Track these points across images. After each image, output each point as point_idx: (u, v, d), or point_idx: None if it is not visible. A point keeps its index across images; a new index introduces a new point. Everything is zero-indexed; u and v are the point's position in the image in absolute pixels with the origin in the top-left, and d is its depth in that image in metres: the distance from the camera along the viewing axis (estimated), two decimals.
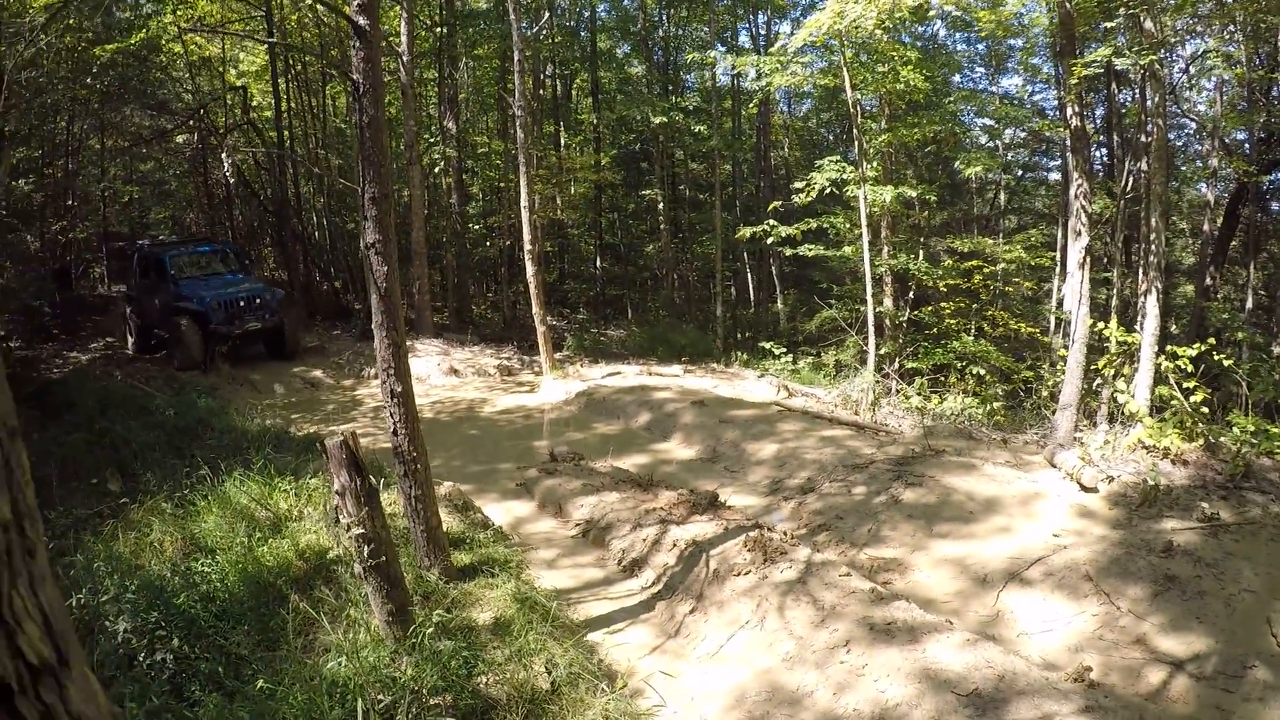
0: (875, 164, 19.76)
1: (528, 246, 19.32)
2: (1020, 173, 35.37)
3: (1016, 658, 5.69)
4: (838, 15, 16.14)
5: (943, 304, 20.95)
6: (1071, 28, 16.34)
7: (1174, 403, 10.22)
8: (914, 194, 19.82)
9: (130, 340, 22.02)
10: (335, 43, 27.70)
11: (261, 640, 5.86)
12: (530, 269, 19.43)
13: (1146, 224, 16.88)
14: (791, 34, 20.81)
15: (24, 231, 24.01)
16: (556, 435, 14.70)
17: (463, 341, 22.61)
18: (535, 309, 19.38)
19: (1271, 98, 22.96)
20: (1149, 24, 15.25)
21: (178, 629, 5.71)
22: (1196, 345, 10.56)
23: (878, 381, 16.41)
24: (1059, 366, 16.51)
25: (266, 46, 27.04)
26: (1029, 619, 6.77)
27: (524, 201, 19.14)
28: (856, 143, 18.58)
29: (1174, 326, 25.40)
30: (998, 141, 31.15)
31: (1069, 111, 16.33)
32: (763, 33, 35.35)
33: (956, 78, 32.10)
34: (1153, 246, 15.85)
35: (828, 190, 18.91)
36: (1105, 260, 25.18)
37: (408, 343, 7.26)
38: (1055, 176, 32.63)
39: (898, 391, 16.68)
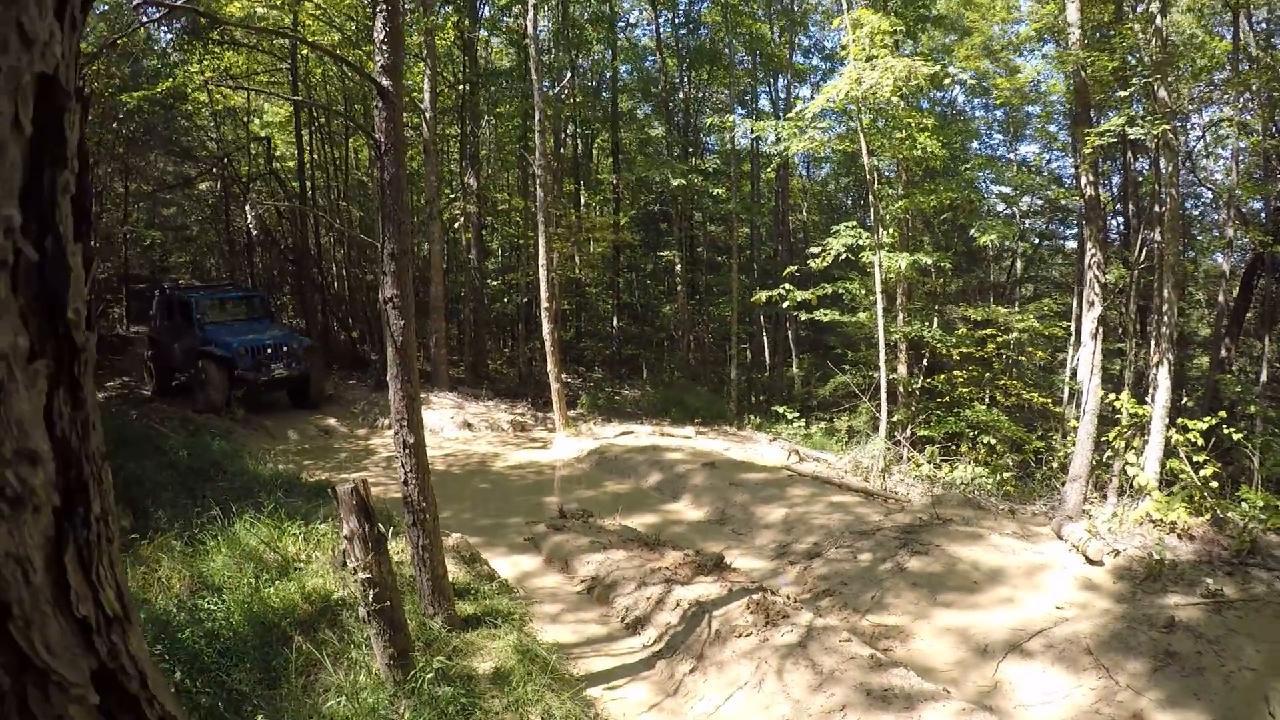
0: (891, 230, 19.87)
1: (545, 303, 19.49)
2: (1037, 240, 35.49)
3: None
4: (855, 82, 16.36)
5: (956, 372, 20.95)
6: (1086, 96, 16.50)
7: (1183, 476, 10.21)
8: (930, 261, 19.90)
9: (149, 381, 22.20)
10: (359, 98, 28.17)
11: (263, 679, 5.89)
12: (546, 326, 19.58)
13: (1159, 294, 16.90)
14: (811, 98, 21.07)
15: None
16: (567, 492, 14.73)
17: (477, 396, 22.73)
18: (550, 366, 19.50)
19: None
20: (1162, 93, 15.40)
21: (180, 663, 5.76)
22: (1208, 418, 10.56)
23: (889, 448, 16.38)
24: (1070, 437, 16.50)
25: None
26: (1028, 691, 6.75)
27: (542, 259, 19.34)
28: (872, 209, 18.70)
29: (1189, 399, 25.30)
30: (1015, 209, 31.33)
31: (1083, 180, 16.44)
32: (782, 96, 35.79)
33: (974, 144, 32.44)
34: (1165, 317, 15.84)
35: (844, 256, 19.01)
36: (1120, 330, 25.17)
37: (422, 395, 7.36)
38: (1072, 245, 32.74)
39: (908, 459, 16.65)
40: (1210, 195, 27.92)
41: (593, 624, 8.54)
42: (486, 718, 5.62)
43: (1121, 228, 29.18)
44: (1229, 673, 6.41)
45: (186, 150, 29.96)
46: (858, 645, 6.92)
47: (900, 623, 8.12)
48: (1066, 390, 24.27)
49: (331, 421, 20.15)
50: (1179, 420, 11.02)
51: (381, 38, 6.81)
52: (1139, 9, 16.60)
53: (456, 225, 29.51)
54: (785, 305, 21.06)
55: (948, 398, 20.68)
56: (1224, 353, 22.98)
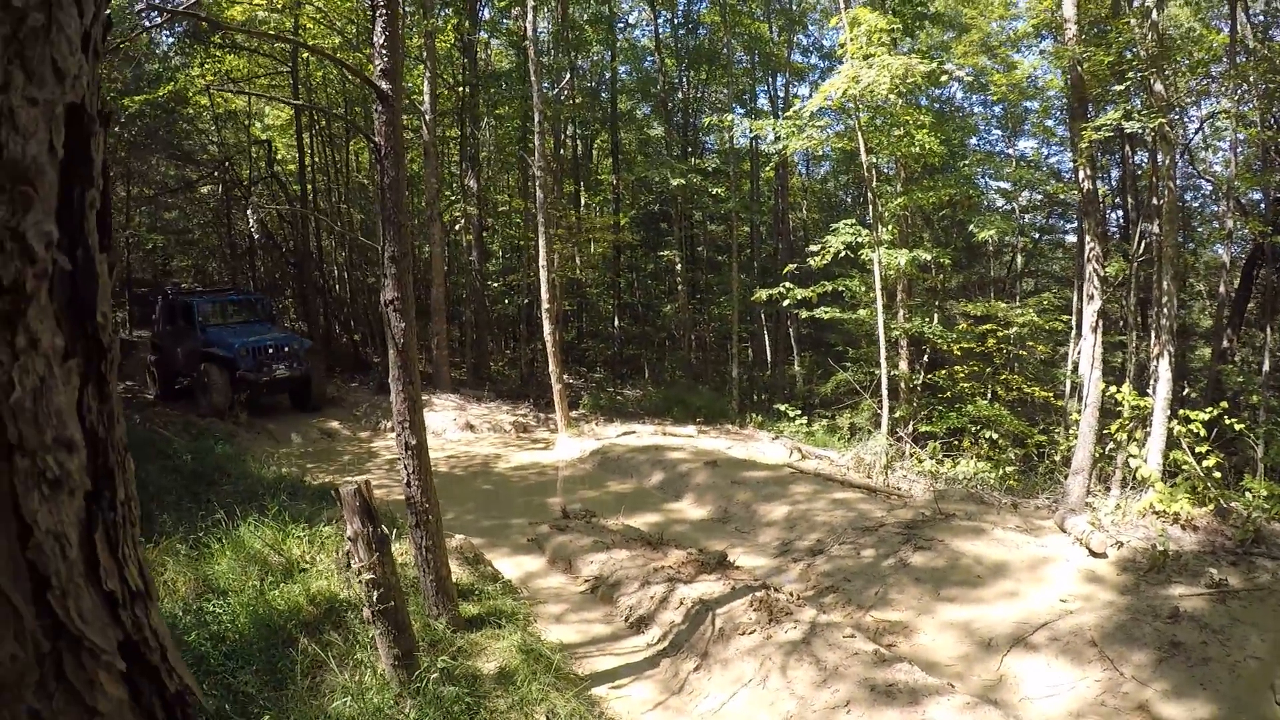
0: (891, 227, 19.91)
1: (546, 305, 19.54)
2: (1037, 235, 35.52)
3: None
4: (852, 80, 16.39)
5: (957, 367, 20.98)
6: (1083, 91, 16.55)
7: (1186, 467, 10.24)
8: (929, 257, 19.94)
9: (152, 385, 22.25)
10: (359, 100, 28.22)
11: (269, 680, 5.93)
12: (548, 327, 19.62)
13: (1159, 287, 16.94)
14: (809, 97, 21.11)
15: None
16: (569, 492, 14.78)
17: (479, 397, 22.77)
18: (552, 367, 19.54)
19: None
20: (1159, 86, 15.43)
21: (187, 666, 5.78)
22: (1210, 409, 10.59)
23: (891, 445, 16.41)
24: (1072, 431, 16.52)
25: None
26: (1032, 684, 6.78)
27: (543, 260, 19.38)
28: (871, 206, 18.74)
29: (1191, 391, 25.31)
30: (1014, 204, 31.35)
31: (1081, 175, 16.49)
32: (781, 95, 35.84)
33: (973, 140, 32.45)
34: (1165, 310, 15.89)
35: (843, 253, 19.05)
36: (1121, 323, 25.20)
37: (424, 397, 7.41)
38: (1072, 239, 32.75)
39: (911, 455, 16.68)
40: (1209, 187, 27.96)
41: (597, 623, 8.58)
42: (491, 717, 5.66)
43: (1121, 221, 29.23)
44: (1234, 662, 6.44)
45: (188, 154, 30.04)
46: (861, 641, 6.95)
47: (904, 618, 8.16)
48: (1068, 384, 24.29)
49: (334, 424, 20.20)
50: (1181, 412, 11.07)
51: (381, 42, 6.85)
52: (1135, 3, 16.63)
53: (457, 227, 29.56)
54: (786, 303, 21.11)
55: (949, 393, 20.73)
56: (1225, 344, 22.99)
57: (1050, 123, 31.29)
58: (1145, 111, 15.27)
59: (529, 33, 20.40)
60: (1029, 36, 27.66)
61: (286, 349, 20.27)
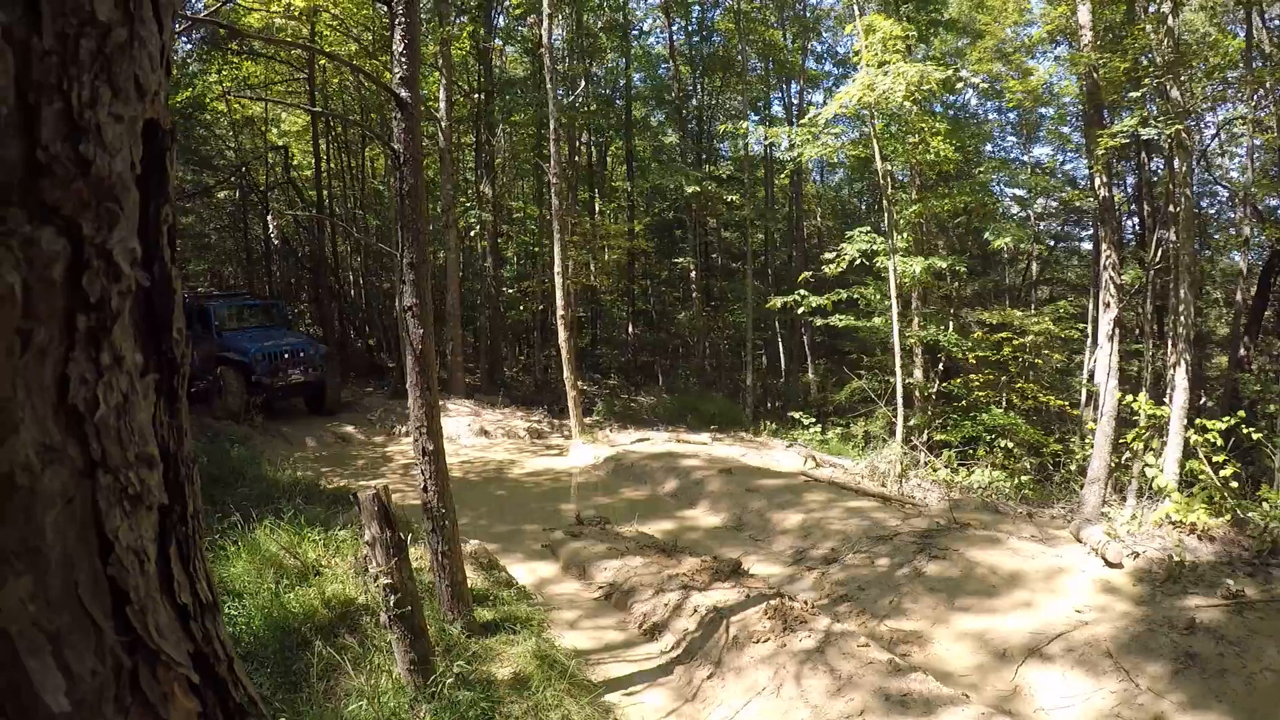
0: (906, 235, 19.87)
1: (560, 311, 19.56)
2: (1052, 243, 35.41)
3: None
4: (867, 87, 16.40)
5: (972, 376, 20.93)
6: (1099, 98, 16.51)
7: (1203, 477, 10.21)
8: (944, 265, 19.88)
9: None
10: (375, 107, 28.33)
11: (284, 683, 5.96)
12: (562, 333, 19.65)
13: (1175, 295, 16.87)
14: (824, 104, 21.10)
15: None
16: (584, 499, 14.78)
17: (494, 403, 22.80)
18: (566, 373, 19.56)
19: None
20: (1175, 92, 15.39)
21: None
22: (1227, 418, 10.55)
23: (905, 453, 16.38)
24: (1088, 440, 16.46)
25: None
26: (1047, 695, 6.77)
27: (558, 267, 19.42)
28: (886, 214, 18.71)
29: (1208, 399, 25.18)
30: (1029, 211, 31.25)
31: (1097, 182, 16.46)
32: (795, 102, 35.86)
33: (988, 147, 32.36)
34: (1182, 317, 15.83)
35: (858, 261, 19.03)
36: (1137, 331, 25.09)
37: (439, 402, 7.43)
38: (1087, 247, 32.62)
39: (925, 463, 16.64)
40: (1226, 193, 27.82)
41: (611, 630, 8.59)
42: None
43: (1137, 228, 29.09)
44: (1251, 674, 6.42)
45: (205, 159, 30.15)
46: (876, 650, 6.95)
47: (918, 627, 8.15)
48: (1084, 392, 24.22)
49: (349, 429, 20.25)
50: (1198, 421, 11.01)
51: (400, 50, 6.89)
52: (1151, 9, 16.60)
53: (472, 234, 29.61)
54: (800, 311, 21.08)
55: (964, 402, 20.67)
56: (1242, 352, 22.88)
57: (1066, 129, 31.21)
58: (1161, 118, 15.23)
59: (544, 40, 20.44)
60: (1044, 43, 27.61)
61: (302, 354, 20.34)
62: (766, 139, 26.09)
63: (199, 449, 14.33)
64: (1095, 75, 16.25)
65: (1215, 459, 10.02)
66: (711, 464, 15.59)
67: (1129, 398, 13.55)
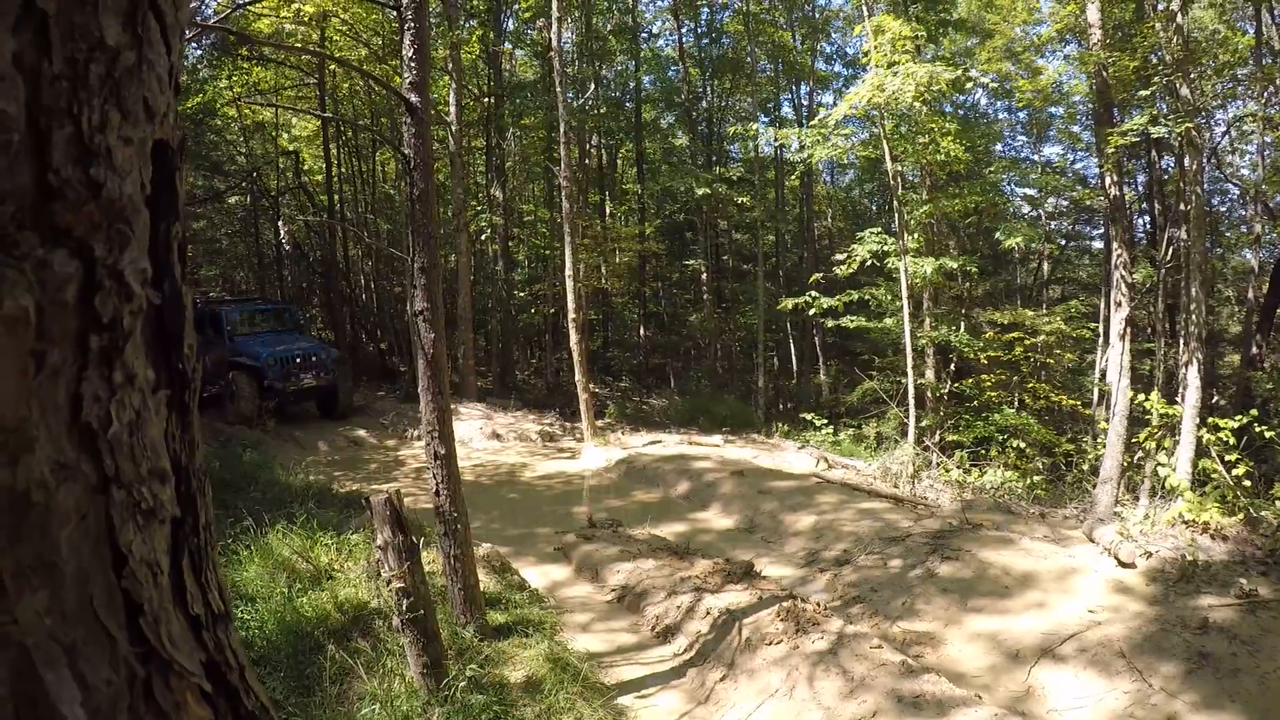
0: (917, 235, 19.87)
1: (572, 314, 19.58)
2: (1063, 242, 35.33)
3: None
4: (877, 88, 16.40)
5: (984, 376, 20.87)
6: (1109, 96, 16.47)
7: (1216, 476, 10.17)
8: (955, 265, 19.84)
9: None
10: (385, 111, 28.39)
11: (297, 687, 5.99)
12: (574, 336, 19.66)
13: (1187, 293, 16.81)
14: (833, 105, 21.11)
15: None
16: (596, 501, 14.79)
17: (505, 406, 22.82)
18: (578, 376, 19.58)
19: None
20: (1185, 90, 15.34)
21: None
22: (1240, 417, 10.51)
23: (918, 454, 16.37)
24: (1100, 439, 16.42)
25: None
26: (1060, 696, 6.75)
27: (569, 269, 19.44)
28: (897, 214, 18.69)
29: (1220, 398, 25.07)
30: (1040, 211, 31.19)
31: (1107, 181, 16.41)
32: (805, 103, 35.82)
33: (998, 146, 32.32)
34: (1193, 316, 15.76)
35: (869, 262, 19.01)
36: (1149, 330, 25.02)
37: (451, 406, 7.45)
38: (1099, 245, 32.54)
39: (938, 464, 16.61)
40: (1237, 191, 27.69)
41: (623, 633, 8.60)
42: None
43: (1148, 227, 29.02)
44: (1264, 674, 6.39)
45: (216, 165, 30.25)
46: (889, 652, 6.94)
47: (931, 629, 8.14)
48: (1096, 392, 24.14)
49: (361, 433, 20.29)
50: (1210, 419, 10.97)
51: (410, 55, 6.92)
52: (1160, 7, 16.54)
53: (483, 237, 29.66)
54: (812, 312, 21.06)
55: (976, 402, 20.63)
56: (1254, 350, 22.76)
57: (1076, 128, 31.14)
58: (1172, 116, 15.19)
59: (554, 43, 20.46)
60: (1053, 42, 27.59)
61: (314, 358, 20.40)
62: (777, 140, 26.11)
63: (211, 454, 14.45)
64: (1105, 74, 16.22)
65: (1228, 458, 9.98)
66: (723, 466, 15.58)
67: (1141, 397, 13.51)
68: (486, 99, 28.67)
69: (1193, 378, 15.01)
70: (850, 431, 22.09)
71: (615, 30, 30.89)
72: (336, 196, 30.35)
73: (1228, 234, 29.69)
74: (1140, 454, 14.98)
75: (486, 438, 19.90)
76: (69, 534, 0.67)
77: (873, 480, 15.28)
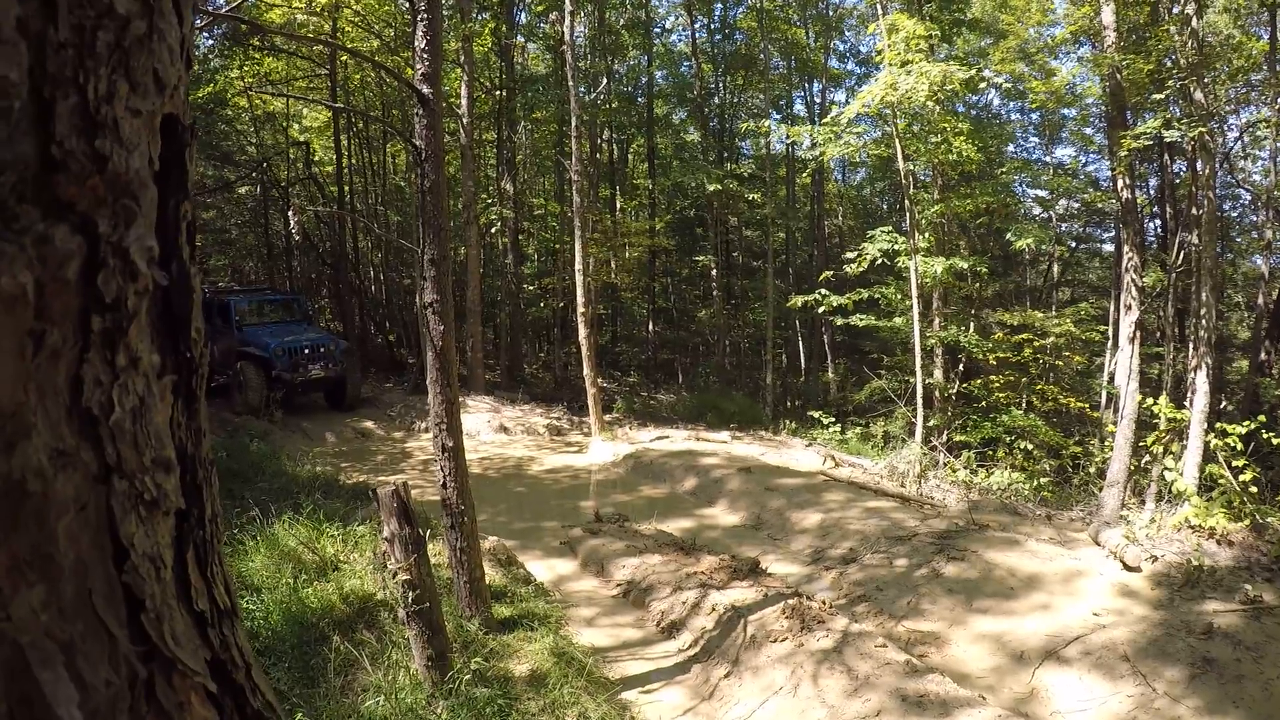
0: (927, 235, 19.79)
1: (581, 308, 19.56)
2: (1074, 244, 35.23)
3: None
4: (890, 87, 16.34)
5: (992, 377, 20.82)
6: (1122, 99, 16.39)
7: (1222, 481, 10.13)
8: (965, 266, 19.77)
9: None
10: (397, 103, 28.39)
11: (302, 678, 5.97)
12: (582, 330, 19.64)
13: (1197, 298, 16.75)
14: (846, 103, 21.04)
15: None
16: (602, 496, 14.78)
17: (513, 400, 22.81)
18: (586, 370, 19.56)
19: None
20: (1199, 94, 15.27)
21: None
22: (1247, 422, 10.47)
23: (925, 454, 16.31)
24: (1107, 442, 16.35)
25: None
26: (1064, 698, 6.72)
27: (578, 264, 19.41)
28: (908, 213, 18.63)
29: (1228, 403, 24.99)
30: (1051, 212, 31.09)
31: (1119, 184, 16.35)
32: (817, 100, 35.76)
33: (1010, 147, 32.22)
34: (1203, 321, 15.71)
35: (879, 261, 18.96)
36: (1158, 334, 24.94)
37: (459, 399, 7.43)
38: (1109, 248, 32.46)
39: (945, 464, 16.57)
40: (1249, 196, 27.60)
41: (628, 628, 8.58)
42: (523, 719, 5.68)
43: (1159, 230, 28.89)
44: (1268, 680, 6.36)
45: (227, 155, 30.27)
46: (893, 651, 6.92)
47: (936, 629, 8.11)
48: (1104, 395, 24.08)
49: (368, 424, 20.30)
50: (1218, 425, 10.95)
51: (422, 46, 6.89)
52: (1175, 10, 16.48)
53: (493, 230, 29.66)
54: (821, 310, 21.01)
55: (984, 403, 20.57)
56: (1263, 356, 22.71)
57: (1089, 130, 31.08)
58: (1185, 120, 15.12)
59: (566, 37, 20.41)
60: (1067, 43, 27.44)
61: (322, 349, 20.40)
62: (788, 138, 26.08)
63: (219, 444, 14.46)
64: (1118, 76, 16.14)
65: (1235, 463, 9.94)
66: (731, 462, 15.56)
67: (1149, 401, 13.46)
68: (498, 92, 28.65)
69: (1201, 382, 14.96)
70: (858, 430, 22.06)
71: (628, 25, 30.86)
72: (347, 188, 30.36)
73: (1239, 239, 29.59)
74: (1147, 458, 14.93)
75: (494, 431, 19.89)
76: (67, 525, 0.64)
77: (880, 479, 15.24)
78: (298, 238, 31.37)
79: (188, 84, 0.78)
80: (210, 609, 0.81)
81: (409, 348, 28.70)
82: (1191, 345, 18.28)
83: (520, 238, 30.53)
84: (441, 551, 7.85)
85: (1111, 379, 21.87)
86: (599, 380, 20.35)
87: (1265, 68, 19.44)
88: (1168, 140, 16.83)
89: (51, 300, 0.62)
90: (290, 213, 29.67)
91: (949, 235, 23.84)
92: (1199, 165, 17.24)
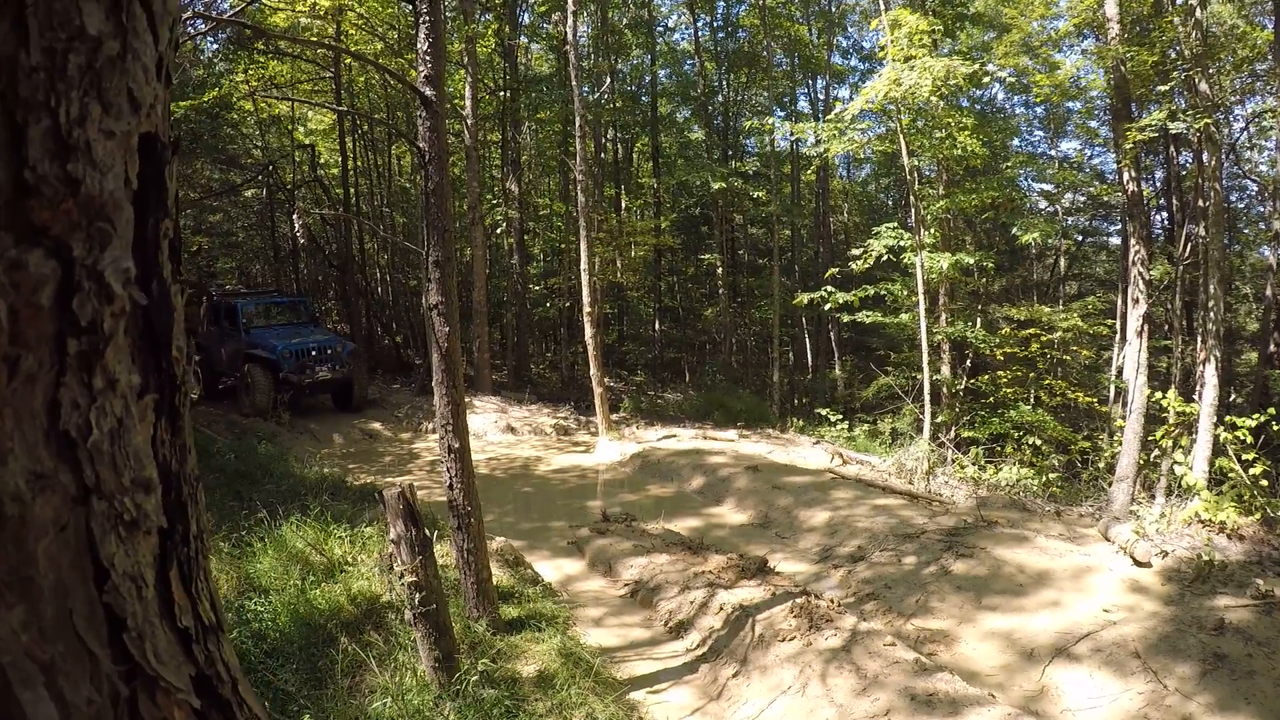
0: (933, 230, 19.80)
1: (587, 308, 19.56)
2: (1080, 238, 35.15)
3: None
4: (894, 83, 16.32)
5: (1000, 372, 20.79)
6: (1126, 91, 16.36)
7: (1232, 475, 10.10)
8: (971, 261, 19.75)
9: (196, 385, 22.43)
10: (401, 105, 28.41)
11: (309, 679, 5.98)
12: (589, 330, 19.64)
13: (1204, 290, 16.70)
14: (850, 99, 21.01)
15: None
16: (610, 496, 14.78)
17: (520, 400, 22.83)
18: (593, 370, 19.57)
19: None
20: (1204, 85, 15.22)
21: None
22: (1257, 415, 10.43)
23: (933, 450, 16.29)
24: (1116, 437, 16.32)
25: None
26: (1074, 695, 6.70)
27: (584, 263, 19.42)
28: (913, 209, 18.62)
29: (1238, 396, 24.92)
30: (1057, 206, 31.03)
31: (1125, 176, 16.31)
32: (821, 97, 35.75)
33: (1015, 141, 32.17)
34: (1211, 314, 15.65)
35: (885, 257, 18.94)
36: (1166, 327, 24.87)
37: (466, 400, 7.43)
38: (1116, 241, 32.35)
39: (953, 461, 16.54)
40: (1255, 187, 27.47)
41: (636, 628, 8.58)
42: None
43: (1166, 223, 28.82)
44: None
45: (232, 158, 30.30)
46: (902, 649, 6.91)
47: (945, 626, 8.10)
48: (1112, 389, 24.00)
49: (376, 425, 20.33)
50: (1227, 418, 10.90)
51: (425, 49, 6.90)
52: (1178, 1, 16.43)
53: (499, 230, 29.67)
54: (827, 307, 20.99)
55: (992, 398, 20.54)
56: (1272, 348, 22.61)
57: (1093, 123, 30.99)
58: (1190, 111, 15.08)
59: (569, 37, 20.42)
60: (1070, 36, 27.42)
61: (329, 351, 20.44)
62: (793, 135, 26.04)
63: (226, 446, 14.50)
64: (1123, 68, 16.10)
65: (1245, 457, 9.91)
66: (738, 461, 15.55)
67: (1158, 394, 13.43)
68: (502, 93, 28.66)
69: (1210, 375, 14.90)
70: (865, 427, 22.05)
71: (631, 24, 30.85)
72: (352, 190, 30.40)
73: (1246, 230, 29.47)
74: (1157, 452, 14.88)
75: (501, 431, 19.91)
76: (46, 547, 0.64)
77: (887, 476, 15.22)
78: (304, 240, 31.44)
79: (168, 101, 0.78)
80: (195, 625, 0.81)
81: (416, 349, 28.71)
82: (1199, 338, 18.21)
83: (526, 238, 30.52)
84: (449, 552, 7.85)
85: (1119, 373, 21.81)
86: (606, 379, 20.36)
87: (1270, 57, 19.31)
88: (1173, 132, 16.77)
89: (26, 326, 0.62)
90: (296, 215, 29.77)
91: (955, 230, 23.83)
92: (1205, 157, 17.18)
